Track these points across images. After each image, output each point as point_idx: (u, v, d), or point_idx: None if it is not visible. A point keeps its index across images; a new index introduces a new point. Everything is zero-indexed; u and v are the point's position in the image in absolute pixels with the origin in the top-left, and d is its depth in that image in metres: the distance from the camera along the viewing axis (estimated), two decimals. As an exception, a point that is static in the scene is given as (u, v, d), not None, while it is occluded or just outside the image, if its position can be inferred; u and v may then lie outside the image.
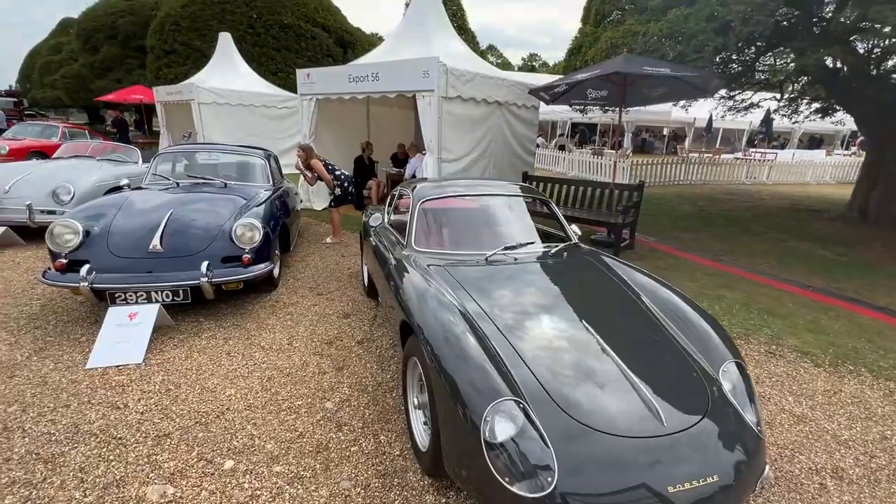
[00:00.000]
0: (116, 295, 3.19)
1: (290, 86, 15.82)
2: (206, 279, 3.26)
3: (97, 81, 23.04)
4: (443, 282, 2.29)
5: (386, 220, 3.61)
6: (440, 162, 6.29)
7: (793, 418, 2.55)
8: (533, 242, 2.88)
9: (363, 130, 9.53)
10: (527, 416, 1.58)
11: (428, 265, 2.52)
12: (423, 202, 2.94)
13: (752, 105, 10.94)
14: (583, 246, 3.01)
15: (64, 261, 3.24)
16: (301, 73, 7.69)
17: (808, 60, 4.95)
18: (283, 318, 3.64)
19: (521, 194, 3.25)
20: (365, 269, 4.31)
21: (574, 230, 3.16)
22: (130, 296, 3.22)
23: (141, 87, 16.16)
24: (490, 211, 3.15)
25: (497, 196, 3.20)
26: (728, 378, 1.91)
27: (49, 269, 3.28)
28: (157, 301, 3.25)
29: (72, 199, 5.32)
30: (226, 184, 4.55)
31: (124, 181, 4.79)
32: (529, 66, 60.07)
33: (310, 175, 5.91)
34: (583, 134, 26.91)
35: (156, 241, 3.37)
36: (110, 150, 6.91)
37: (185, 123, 13.75)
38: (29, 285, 4.06)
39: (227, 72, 12.94)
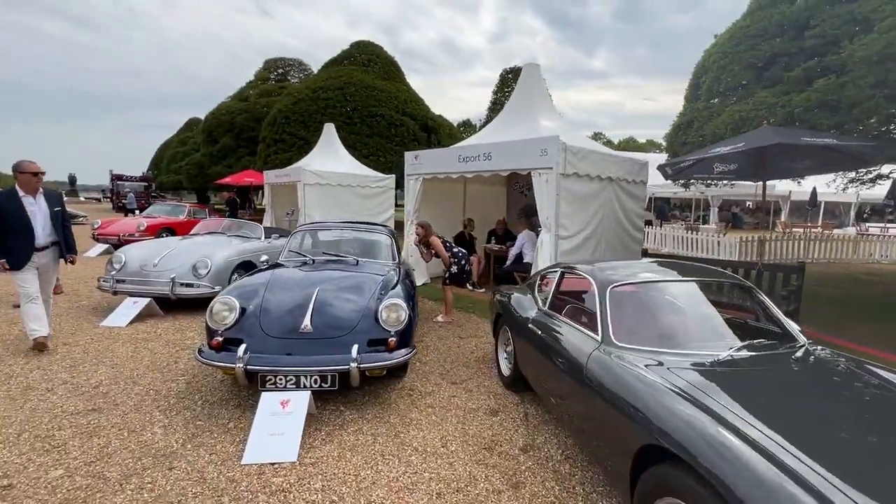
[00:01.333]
0: (267, 378, 3.03)
1: (380, 167, 17.05)
2: (355, 364, 3.03)
3: (213, 167, 26.53)
4: (688, 390, 1.82)
5: (544, 306, 3.25)
6: (557, 239, 6.01)
7: None
8: (760, 340, 2.34)
9: (459, 206, 9.67)
10: None
11: (645, 365, 2.07)
12: (613, 288, 2.56)
13: (878, 176, 9.84)
14: (818, 347, 2.41)
15: (220, 339, 3.18)
16: (409, 156, 8.08)
17: None
18: (425, 412, 3.27)
19: (719, 279, 2.78)
20: (502, 358, 3.92)
21: (794, 326, 2.59)
22: (280, 380, 3.04)
23: (251, 171, 18.27)
24: (689, 299, 2.69)
25: (693, 282, 2.75)
26: None
27: (203, 346, 3.24)
28: (305, 386, 3.05)
29: (208, 272, 5.61)
30: (357, 261, 4.52)
31: (263, 257, 4.95)
32: (594, 144, 61.24)
33: (425, 251, 5.85)
34: (661, 209, 25.95)
35: (307, 321, 3.25)
36: (238, 226, 7.45)
37: (286, 202, 15.03)
38: (172, 359, 4.11)
39: (328, 156, 14.19)
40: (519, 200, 10.52)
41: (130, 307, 5.24)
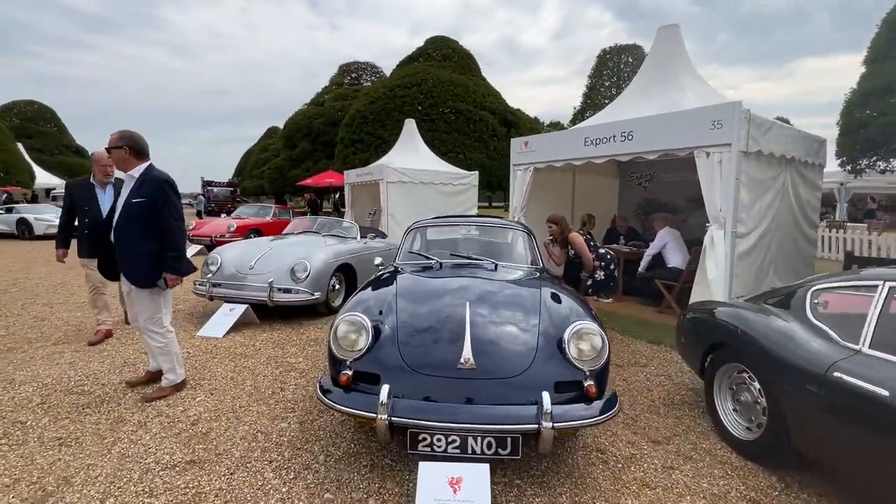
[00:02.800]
0: (420, 437, 2.08)
1: (459, 165, 16.17)
2: (549, 424, 1.99)
3: (292, 171, 27.41)
4: None
5: (861, 345, 1.98)
6: (734, 237, 4.61)
7: None
8: None
9: (567, 201, 8.43)
10: None
11: None
12: None
13: None
14: None
15: (349, 373, 2.30)
16: (517, 143, 7.00)
17: None
18: (643, 496, 2.15)
19: None
20: (727, 409, 2.71)
21: None
22: (439, 440, 2.08)
23: (331, 171, 18.27)
24: None
25: None
26: None
27: (326, 381, 2.38)
28: (474, 452, 2.06)
29: (307, 276, 4.93)
30: (496, 265, 3.51)
31: (378, 260, 4.11)
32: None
33: (558, 252, 4.73)
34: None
35: (467, 352, 2.26)
36: (331, 225, 6.82)
37: (365, 202, 14.64)
38: (277, 384, 3.35)
39: (410, 153, 13.56)
40: (635, 194, 9.04)
41: (227, 315, 4.67)
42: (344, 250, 5.72)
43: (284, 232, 6.72)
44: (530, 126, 20.08)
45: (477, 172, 13.71)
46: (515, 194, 7.08)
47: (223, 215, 14.55)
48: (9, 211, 14.33)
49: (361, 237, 6.50)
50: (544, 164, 6.56)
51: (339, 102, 27.81)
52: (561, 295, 2.88)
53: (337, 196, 27.87)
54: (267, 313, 5.07)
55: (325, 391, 2.31)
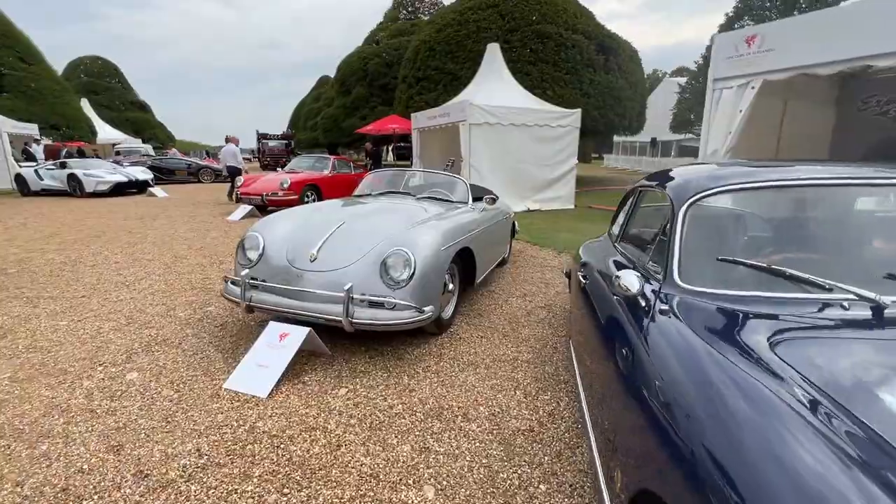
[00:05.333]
0: None
1: (549, 101, 13.22)
2: None
3: (347, 120, 25.32)
4: None
5: None
6: None
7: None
8: None
9: (771, 139, 5.54)
10: None
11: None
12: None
13: None
14: None
15: None
16: (729, 41, 4.19)
17: None
18: None
19: None
20: None
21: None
22: None
23: (395, 116, 15.91)
24: None
25: None
26: None
27: None
28: None
29: (411, 276, 2.73)
30: None
31: (630, 281, 1.60)
32: None
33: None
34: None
35: None
36: (425, 181, 4.54)
37: (436, 151, 12.25)
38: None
39: (494, 87, 10.81)
40: (867, 129, 5.93)
41: (275, 350, 2.61)
42: (459, 225, 3.45)
43: (356, 193, 4.53)
44: (631, 55, 16.28)
45: (579, 111, 10.73)
46: (716, 126, 4.38)
47: (278, 169, 12.75)
48: (62, 166, 13.45)
49: (474, 200, 4.20)
50: (793, 71, 3.76)
51: (396, 40, 24.83)
52: None
53: (392, 146, 25.41)
54: (338, 331, 2.98)
55: None
